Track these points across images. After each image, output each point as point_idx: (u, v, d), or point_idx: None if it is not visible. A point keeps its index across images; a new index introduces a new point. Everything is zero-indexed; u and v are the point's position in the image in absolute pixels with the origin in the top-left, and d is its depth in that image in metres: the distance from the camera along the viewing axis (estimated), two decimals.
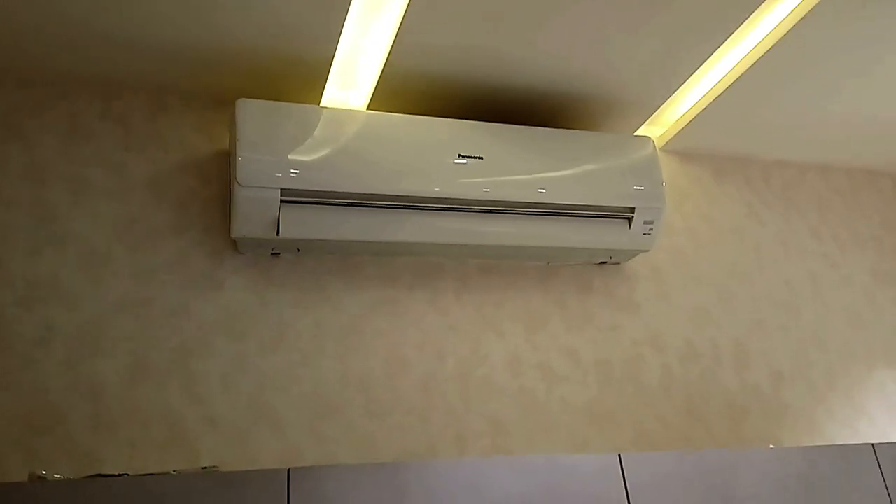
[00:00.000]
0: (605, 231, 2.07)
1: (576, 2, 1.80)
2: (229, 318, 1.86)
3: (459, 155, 1.93)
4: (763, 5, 1.92)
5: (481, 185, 1.93)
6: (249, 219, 1.78)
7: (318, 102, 2.07)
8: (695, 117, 2.35)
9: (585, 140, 2.10)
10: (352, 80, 2.08)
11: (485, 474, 1.46)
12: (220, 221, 1.94)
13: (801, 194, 2.67)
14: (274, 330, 1.88)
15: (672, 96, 2.24)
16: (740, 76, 2.15)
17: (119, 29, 1.77)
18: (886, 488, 1.75)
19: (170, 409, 1.74)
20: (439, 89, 2.07)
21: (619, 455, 1.58)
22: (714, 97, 2.25)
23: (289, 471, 1.35)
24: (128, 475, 1.27)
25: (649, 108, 2.26)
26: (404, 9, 1.78)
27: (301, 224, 1.80)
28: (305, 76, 1.97)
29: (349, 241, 1.89)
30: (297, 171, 1.78)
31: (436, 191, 1.89)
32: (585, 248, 2.10)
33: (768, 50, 2.05)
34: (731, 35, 1.98)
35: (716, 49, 2.03)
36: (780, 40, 2.02)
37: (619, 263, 2.27)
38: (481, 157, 1.94)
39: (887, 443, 1.82)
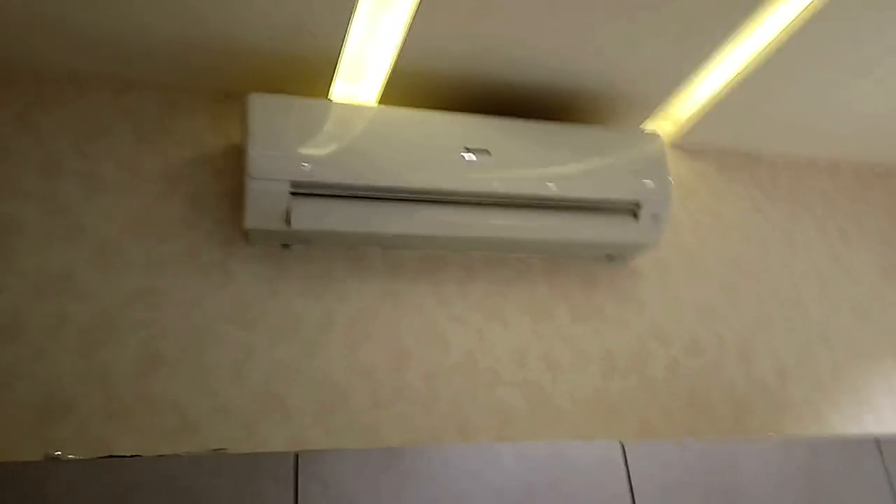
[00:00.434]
0: (612, 225, 2.09)
1: None
2: (240, 309, 1.89)
3: (467, 149, 1.95)
4: (769, 3, 1.93)
5: (489, 179, 1.94)
6: (261, 211, 1.81)
7: (328, 97, 2.10)
8: (703, 114, 2.36)
9: (593, 135, 2.11)
10: (361, 75, 2.10)
11: (489, 460, 1.48)
12: (231, 214, 1.97)
13: (807, 190, 2.67)
14: (283, 320, 1.91)
15: (680, 93, 2.25)
16: (748, 73, 2.17)
17: (131, 26, 1.80)
18: (889, 480, 1.76)
19: (181, 397, 1.76)
20: (448, 84, 2.09)
21: (622, 443, 1.59)
22: (722, 94, 2.27)
23: (297, 454, 1.37)
24: (140, 456, 1.29)
25: (655, 104, 2.28)
26: (414, 5, 1.80)
27: (311, 216, 1.83)
28: (315, 71, 2.00)
29: (358, 233, 1.91)
30: (307, 165, 1.81)
31: (444, 184, 1.91)
32: (592, 243, 2.12)
33: (776, 47, 2.07)
34: (737, 29, 1.99)
35: (722, 44, 2.04)
36: (787, 38, 2.03)
37: (625, 258, 2.28)
38: (489, 152, 1.96)
39: (890, 434, 1.83)
